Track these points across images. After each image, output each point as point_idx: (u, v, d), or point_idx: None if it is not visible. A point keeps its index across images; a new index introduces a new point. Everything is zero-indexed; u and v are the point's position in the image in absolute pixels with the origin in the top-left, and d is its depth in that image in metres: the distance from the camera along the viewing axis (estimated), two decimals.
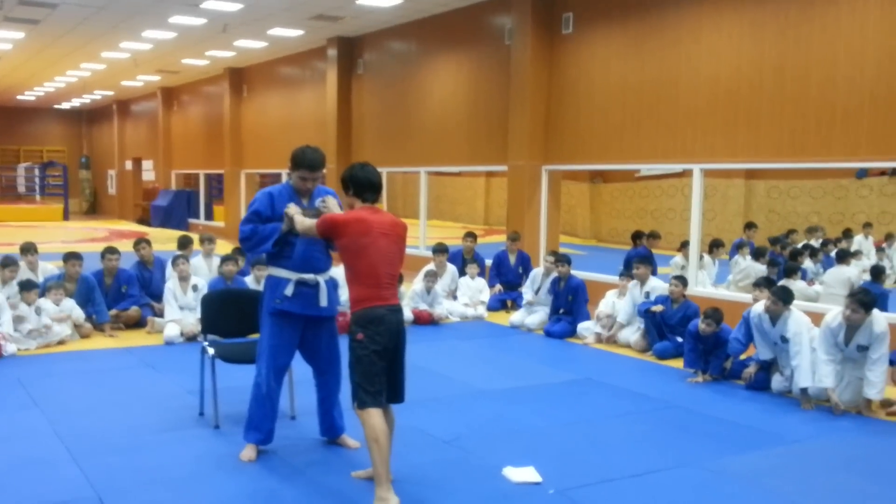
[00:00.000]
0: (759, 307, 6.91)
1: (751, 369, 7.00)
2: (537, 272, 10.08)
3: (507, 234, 11.77)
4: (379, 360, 4.33)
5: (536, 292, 9.97)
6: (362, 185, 4.52)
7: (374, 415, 4.26)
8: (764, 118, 9.31)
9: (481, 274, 11.00)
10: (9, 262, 8.79)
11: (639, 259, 8.99)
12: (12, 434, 5.54)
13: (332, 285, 5.12)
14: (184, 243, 9.95)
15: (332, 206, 4.96)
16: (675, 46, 10.28)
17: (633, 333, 8.64)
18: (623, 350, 8.55)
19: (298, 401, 5.96)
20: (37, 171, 33.08)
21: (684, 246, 11.29)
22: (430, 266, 10.44)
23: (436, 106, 14.47)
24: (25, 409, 6.13)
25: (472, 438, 5.57)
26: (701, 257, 10.87)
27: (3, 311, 7.87)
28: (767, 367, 7.02)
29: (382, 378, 4.37)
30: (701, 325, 7.31)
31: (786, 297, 6.71)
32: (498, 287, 11.11)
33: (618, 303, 8.96)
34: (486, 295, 10.67)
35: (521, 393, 6.86)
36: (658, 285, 8.75)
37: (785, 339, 6.66)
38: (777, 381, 6.89)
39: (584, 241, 21.04)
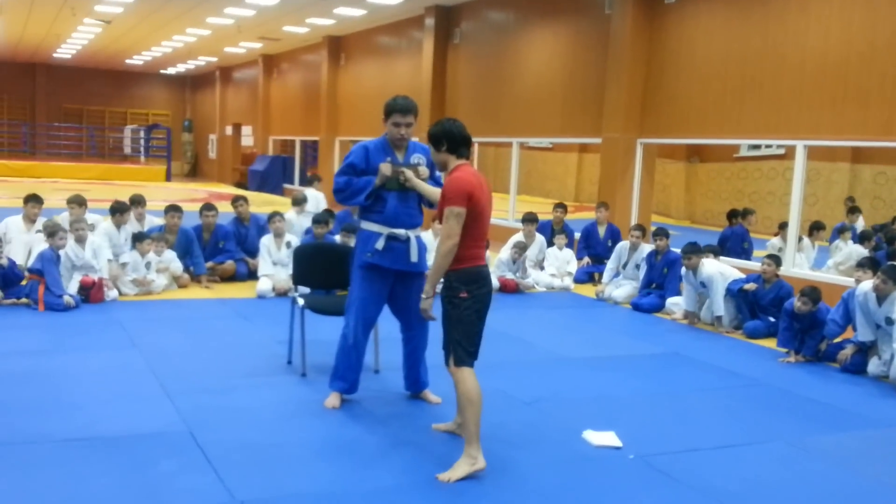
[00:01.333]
0: (865, 286, 6.65)
1: (847, 351, 6.76)
2: (623, 246, 9.93)
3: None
4: (478, 320, 4.30)
5: (625, 266, 9.83)
6: (457, 140, 4.34)
7: (470, 375, 4.25)
8: (874, 94, 8.90)
9: (569, 245, 10.90)
10: (124, 209, 9.20)
11: (687, 247, 8.56)
12: (112, 369, 5.82)
13: (422, 246, 5.14)
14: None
15: (423, 172, 4.99)
16: (782, 18, 9.91)
17: (709, 314, 8.42)
18: (711, 327, 8.36)
19: (383, 356, 6.05)
20: (142, 133, 34.26)
21: (782, 227, 10.94)
22: (519, 236, 10.41)
23: (531, 76, 14.34)
24: (124, 348, 6.42)
25: (552, 402, 5.56)
26: (800, 239, 10.51)
27: (100, 256, 8.20)
28: (865, 351, 6.77)
29: (479, 339, 4.35)
30: (797, 303, 7.08)
31: None
32: (586, 259, 11.01)
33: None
34: (573, 266, 10.58)
35: (605, 362, 6.80)
36: (713, 271, 8.29)
37: (890, 321, 6.40)
38: (874, 365, 6.64)
39: (677, 222, 20.60)
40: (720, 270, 8.37)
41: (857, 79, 9.08)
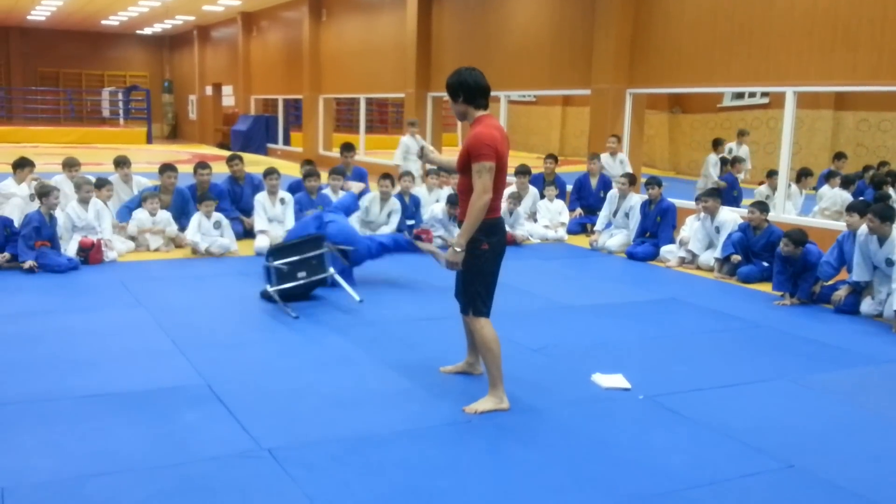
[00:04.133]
0: (866, 228, 6.80)
1: (841, 292, 6.91)
2: (614, 194, 10.04)
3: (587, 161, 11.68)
4: (496, 271, 4.42)
5: (615, 214, 9.92)
6: (472, 90, 4.30)
7: (487, 325, 4.40)
8: (863, 39, 8.96)
9: (561, 196, 10.98)
10: (103, 183, 8.87)
11: (707, 192, 8.82)
12: (122, 328, 5.87)
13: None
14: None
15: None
16: None
17: (711, 258, 8.56)
18: (707, 274, 8.50)
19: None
20: (120, 96, 33.79)
21: (770, 175, 11.06)
22: (513, 188, 10.47)
23: (518, 28, 14.28)
24: (131, 307, 6.46)
25: (559, 348, 5.68)
26: (788, 186, 10.64)
27: (104, 219, 8.20)
28: (859, 291, 6.92)
29: (494, 289, 4.46)
30: (781, 245, 7.24)
31: (888, 214, 6.57)
32: (578, 210, 11.10)
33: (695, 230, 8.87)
34: (565, 217, 10.67)
35: (605, 309, 6.91)
36: (728, 218, 8.55)
37: (891, 262, 6.57)
38: (868, 305, 6.80)
39: (662, 173, 20.55)
40: (734, 218, 8.63)
41: (846, 24, 9.13)
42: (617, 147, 11.64)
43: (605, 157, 11.59)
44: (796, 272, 7.29)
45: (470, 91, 4.31)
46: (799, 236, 7.18)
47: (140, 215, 8.73)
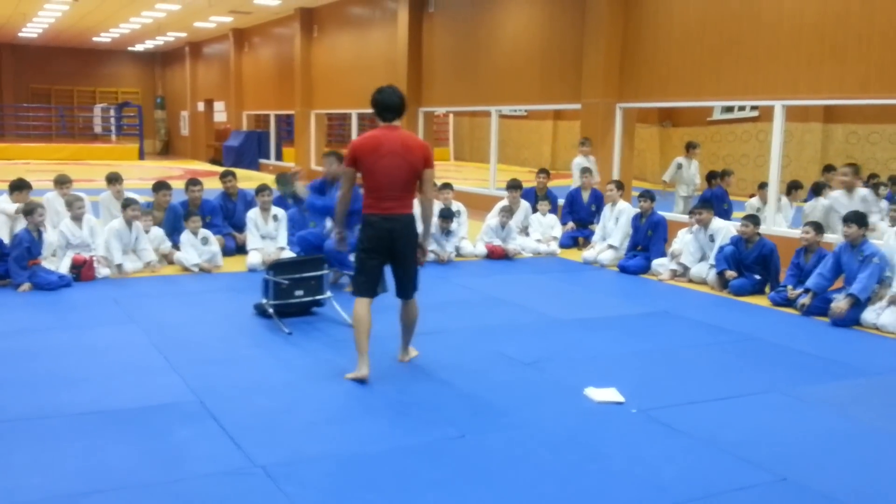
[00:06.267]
0: None
1: (843, 305, 6.84)
2: (607, 208, 10.10)
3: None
4: (367, 258, 5.08)
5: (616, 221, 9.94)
6: (377, 106, 5.08)
7: (358, 303, 5.12)
8: (850, 52, 9.04)
9: (553, 210, 11.02)
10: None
11: (700, 204, 8.93)
12: (114, 345, 5.85)
13: None
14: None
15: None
16: None
17: (706, 270, 8.58)
18: (698, 287, 8.53)
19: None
20: (112, 112, 33.79)
21: (762, 187, 11.11)
22: (505, 202, 10.49)
23: (508, 43, 14.35)
24: (123, 324, 6.45)
25: (552, 361, 5.69)
26: (778, 199, 10.68)
27: (97, 234, 8.18)
28: (859, 303, 6.92)
29: (371, 275, 5.12)
30: (801, 233, 7.58)
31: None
32: (570, 224, 11.13)
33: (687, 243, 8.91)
34: (557, 231, 10.70)
35: (597, 323, 6.93)
36: (722, 226, 8.65)
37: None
38: (869, 313, 6.84)
39: (653, 186, 20.63)
40: (727, 225, 8.77)
41: (834, 38, 9.20)
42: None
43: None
44: (809, 270, 7.42)
45: (375, 107, 5.12)
46: (818, 225, 7.50)
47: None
